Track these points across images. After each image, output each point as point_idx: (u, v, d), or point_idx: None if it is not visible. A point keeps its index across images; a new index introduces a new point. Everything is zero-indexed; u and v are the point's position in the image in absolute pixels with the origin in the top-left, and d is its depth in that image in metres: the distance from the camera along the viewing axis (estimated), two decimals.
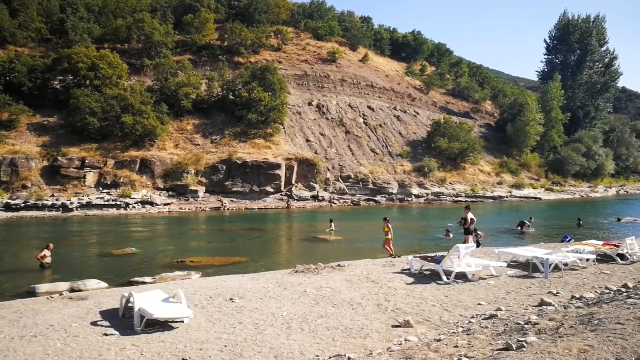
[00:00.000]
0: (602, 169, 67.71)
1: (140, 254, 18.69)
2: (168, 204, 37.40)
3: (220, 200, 38.89)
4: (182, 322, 7.83)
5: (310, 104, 55.86)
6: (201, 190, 40.08)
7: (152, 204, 36.47)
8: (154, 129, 41.91)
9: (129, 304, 8.21)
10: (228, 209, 38.13)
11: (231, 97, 49.59)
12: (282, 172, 42.98)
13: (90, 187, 37.61)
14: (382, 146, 54.83)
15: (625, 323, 4.77)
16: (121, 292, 9.34)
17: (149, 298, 8.31)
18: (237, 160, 42.20)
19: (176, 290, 8.55)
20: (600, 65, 78.19)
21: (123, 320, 8.08)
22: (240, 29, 59.10)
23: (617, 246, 14.10)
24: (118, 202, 35.29)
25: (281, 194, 42.62)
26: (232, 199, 40.12)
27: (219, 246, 22.27)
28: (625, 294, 7.75)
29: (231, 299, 9.29)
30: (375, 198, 45.59)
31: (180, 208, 36.93)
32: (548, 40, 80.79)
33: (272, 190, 42.16)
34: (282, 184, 42.90)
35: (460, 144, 55.07)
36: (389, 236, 15.52)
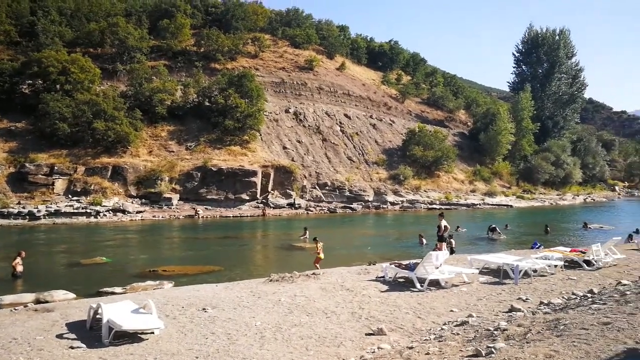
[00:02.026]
0: (570, 178, 69.27)
1: (111, 264, 18.31)
2: (141, 211, 36.76)
3: (194, 208, 38.41)
4: (153, 333, 7.63)
5: (287, 111, 55.82)
6: (175, 197, 39.53)
7: (124, 212, 35.79)
8: (127, 136, 41.23)
9: (97, 316, 7.97)
10: (203, 217, 37.68)
11: (207, 103, 49.18)
12: (258, 180, 42.72)
13: (60, 195, 36.69)
14: (359, 154, 55.07)
15: (590, 328, 4.84)
16: (89, 303, 9.08)
17: (118, 309, 8.09)
18: (213, 168, 41.79)
19: (147, 301, 8.34)
20: (567, 77, 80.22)
21: (91, 332, 7.84)
22: (217, 35, 58.78)
23: (584, 253, 14.39)
24: (88, 210, 34.50)
25: (257, 202, 42.32)
26: (206, 207, 39.66)
27: (192, 255, 21.97)
28: (590, 299, 7.89)
29: (204, 309, 9.12)
30: (352, 205, 45.68)
31: (154, 216, 36.35)
32: (516, 54, 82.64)
33: (247, 198, 41.84)
34: (258, 191, 42.62)
35: (434, 152, 55.68)
36: (321, 255, 15.61)
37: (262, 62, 62.47)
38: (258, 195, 42.52)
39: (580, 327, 4.92)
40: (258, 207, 41.66)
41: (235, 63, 59.51)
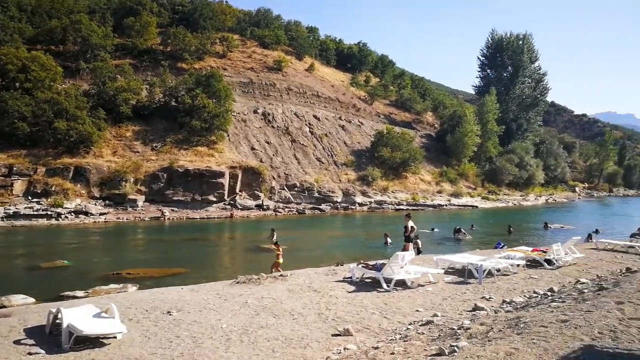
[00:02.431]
0: (533, 179, 71.18)
1: (73, 267, 17.82)
2: (104, 213, 35.88)
3: (160, 210, 37.74)
4: (115, 338, 7.46)
5: (255, 111, 55.51)
6: (140, 199, 38.74)
7: (86, 213, 34.86)
8: (90, 136, 40.21)
9: (57, 320, 7.74)
10: (169, 218, 37.04)
11: (174, 103, 48.46)
12: (225, 181, 42.30)
13: (19, 196, 35.46)
14: (328, 155, 55.21)
15: (549, 326, 4.97)
16: (49, 307, 8.81)
17: (79, 313, 7.88)
18: (179, 169, 41.17)
19: (109, 305, 8.15)
20: (531, 81, 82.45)
21: (50, 337, 7.60)
22: (184, 34, 57.99)
23: (545, 252, 14.79)
24: (49, 212, 33.46)
25: (224, 203, 41.91)
26: (173, 209, 39.02)
27: (158, 257, 21.59)
28: (550, 297, 8.11)
29: (169, 312, 8.97)
30: (321, 207, 45.73)
31: (118, 218, 35.54)
32: (481, 58, 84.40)
33: (215, 199, 41.38)
34: (226, 192, 42.21)
35: (402, 153, 56.33)
36: (280, 260, 15.47)
37: (230, 62, 61.96)
38: (226, 197, 42.12)
39: (539, 325, 5.04)
40: (225, 208, 41.27)
41: (203, 63, 58.84)
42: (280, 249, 15.89)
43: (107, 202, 37.63)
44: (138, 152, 43.25)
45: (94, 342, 7.23)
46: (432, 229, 29.88)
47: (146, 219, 36.24)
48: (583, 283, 10.12)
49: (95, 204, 36.69)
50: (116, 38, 55.76)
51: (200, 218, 38.20)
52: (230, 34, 66.73)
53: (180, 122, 46.58)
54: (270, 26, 76.00)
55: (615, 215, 46.80)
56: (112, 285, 13.66)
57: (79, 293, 12.56)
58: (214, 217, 38.81)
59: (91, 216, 34.79)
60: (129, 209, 37.58)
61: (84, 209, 35.10)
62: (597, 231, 28.28)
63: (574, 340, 4.36)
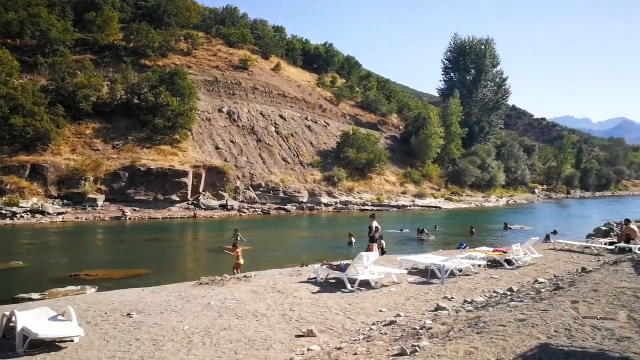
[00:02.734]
0: (494, 180, 72.88)
1: (28, 268, 17.21)
2: (62, 213, 34.81)
3: (121, 210, 36.87)
4: (72, 341, 7.24)
5: (220, 110, 54.91)
6: (100, 198, 37.77)
7: (43, 213, 33.74)
8: (48, 132, 38.96)
9: (11, 324, 7.46)
10: (130, 218, 36.23)
11: (136, 100, 47.44)
12: (189, 180, 41.69)
13: None
14: (294, 155, 55.13)
15: (507, 325, 5.09)
16: (2, 310, 8.47)
17: (34, 316, 7.62)
18: (141, 167, 40.34)
19: (66, 307, 7.90)
20: (493, 85, 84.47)
21: (4, 341, 7.32)
22: (147, 30, 56.80)
23: (505, 252, 15.15)
24: (4, 211, 32.23)
25: (188, 203, 41.31)
26: (134, 208, 38.20)
27: (118, 258, 21.07)
28: (509, 297, 8.30)
29: (129, 314, 8.77)
30: (286, 207, 45.61)
31: (77, 218, 34.52)
32: (445, 61, 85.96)
33: (178, 199, 40.73)
34: (189, 192, 41.61)
35: (367, 154, 56.78)
36: (240, 261, 15.29)
37: (195, 60, 61.10)
38: (189, 196, 41.52)
39: (498, 324, 5.15)
40: (189, 208, 40.69)
41: (167, 60, 57.82)
42: (239, 250, 15.69)
43: (65, 201, 36.54)
44: (98, 150, 42.16)
45: (49, 345, 7.01)
46: (402, 230, 30.45)
47: (106, 218, 35.35)
48: (540, 283, 10.40)
49: (53, 203, 35.58)
50: (76, 33, 54.16)
51: (162, 218, 37.52)
52: (195, 32, 65.79)
53: (142, 120, 45.65)
54: (236, 24, 75.33)
55: (573, 217, 48.41)
56: (69, 287, 13.25)
57: (35, 295, 12.14)
58: (177, 217, 38.19)
59: (48, 216, 33.72)
60: (89, 208, 36.60)
61: (40, 208, 33.97)
62: (555, 232, 29.13)
63: (531, 339, 4.47)
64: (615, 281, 7.15)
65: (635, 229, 18.99)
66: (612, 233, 25.13)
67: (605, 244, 18.91)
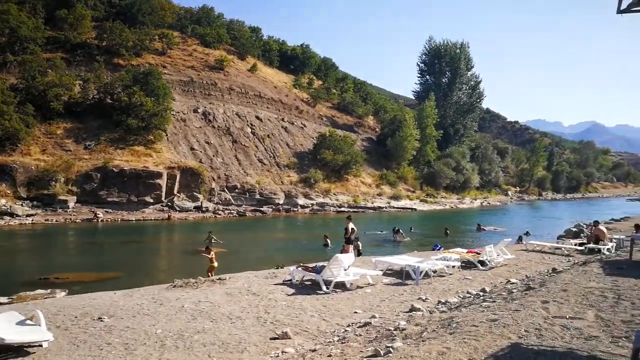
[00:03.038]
0: (469, 183, 73.90)
1: None
2: (32, 215, 33.94)
3: (93, 211, 36.17)
4: (41, 346, 7.06)
5: (195, 111, 54.38)
6: (72, 200, 36.97)
7: (12, 215, 32.83)
8: (17, 132, 37.98)
9: None
10: (102, 220, 35.56)
11: (109, 100, 46.61)
12: (163, 182, 41.15)
13: None
14: (270, 157, 54.94)
15: (479, 325, 5.16)
16: None
17: (1, 321, 7.41)
18: (114, 168, 39.63)
19: (35, 311, 7.72)
20: (467, 88, 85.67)
21: None
22: (121, 29, 55.87)
23: (479, 254, 15.36)
24: None
25: (162, 205, 40.76)
26: (107, 210, 37.51)
27: (90, 261, 20.67)
28: (482, 297, 8.42)
29: (100, 318, 8.60)
30: (262, 209, 45.39)
31: (47, 220, 33.73)
32: (420, 64, 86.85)
33: (151, 200, 40.15)
34: (163, 194, 41.07)
35: (344, 156, 56.95)
36: (214, 263, 15.24)
37: (170, 60, 60.40)
38: (163, 198, 41.00)
39: (471, 325, 5.21)
40: (163, 210, 40.17)
41: (141, 59, 56.99)
42: (213, 253, 15.58)
43: (35, 203, 35.65)
44: (70, 150, 41.29)
45: (17, 351, 6.83)
46: (382, 231, 31.08)
47: (77, 220, 34.65)
48: (513, 283, 10.58)
49: (22, 205, 34.67)
50: (47, 30, 52.91)
51: (136, 220, 36.96)
52: (170, 31, 65.04)
53: (116, 120, 44.86)
54: (212, 24, 74.74)
55: (544, 218, 49.40)
56: (38, 291, 12.94)
57: (2, 299, 11.81)
58: (151, 219, 37.67)
59: (17, 218, 32.86)
60: (59, 210, 35.80)
61: (9, 210, 33.08)
62: (527, 233, 29.64)
63: (502, 339, 4.54)
64: (584, 281, 7.32)
65: (604, 230, 19.49)
66: (582, 234, 25.72)
67: (575, 245, 19.34)
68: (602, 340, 4.35)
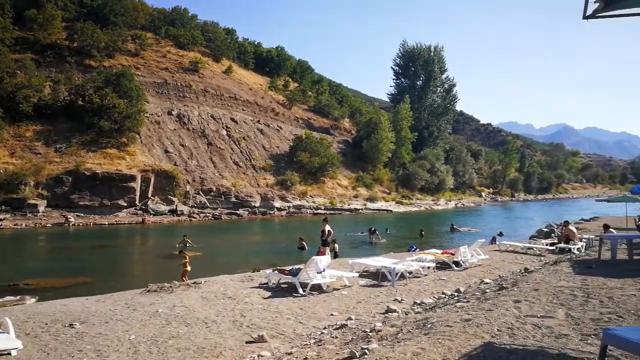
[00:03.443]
0: (443, 184, 74.81)
1: None
2: (0, 220, 33.10)
3: (64, 216, 35.43)
4: (9, 354, 6.87)
5: (170, 113, 53.79)
6: (42, 204, 36.15)
7: None
8: None
9: None
10: (74, 224, 34.86)
11: (80, 102, 45.76)
12: (137, 185, 40.57)
13: None
14: (246, 159, 54.66)
15: (453, 325, 5.22)
16: None
17: None
18: (86, 172, 38.91)
19: (3, 319, 7.50)
20: (441, 90, 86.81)
21: None
22: (92, 29, 54.97)
23: (453, 254, 15.54)
24: None
25: (136, 208, 40.18)
26: (78, 214, 36.80)
27: (61, 266, 20.20)
28: (456, 298, 8.52)
29: (71, 324, 8.40)
30: (238, 212, 45.11)
31: (16, 225, 32.89)
32: (395, 67, 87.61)
33: (125, 204, 39.54)
34: (137, 197, 40.49)
35: (320, 158, 57.04)
36: (187, 268, 15.12)
37: (143, 61, 59.65)
38: (137, 202, 40.41)
39: (445, 325, 5.27)
40: (137, 214, 39.60)
41: (113, 61, 56.16)
42: (187, 257, 15.40)
43: (3, 207, 34.79)
44: (40, 153, 40.39)
45: None
46: (362, 232, 31.54)
47: (48, 225, 33.90)
48: (486, 283, 10.73)
49: None
50: (16, 31, 51.78)
51: (109, 224, 36.33)
52: (144, 32, 64.30)
53: (87, 122, 44.07)
54: (187, 26, 74.14)
55: (517, 219, 50.27)
56: (7, 298, 12.59)
57: None
58: (124, 223, 37.08)
59: None
60: (29, 214, 34.98)
61: None
62: (501, 234, 30.07)
63: (476, 339, 4.60)
64: (554, 280, 7.48)
65: (574, 230, 19.93)
66: (553, 234, 26.25)
67: (546, 245, 19.73)
68: (572, 338, 4.45)
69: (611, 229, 17.13)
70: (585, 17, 3.54)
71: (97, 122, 43.46)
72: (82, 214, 37.00)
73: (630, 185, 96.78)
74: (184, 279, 14.06)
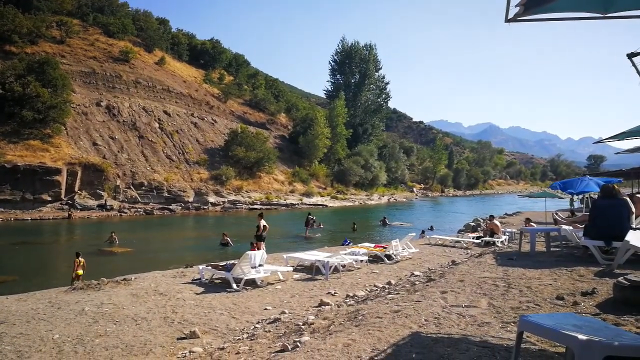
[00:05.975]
0: (377, 180, 76.51)
1: None
2: None
3: None
4: None
5: (99, 104, 51.46)
6: None
7: None
8: None
9: None
10: None
11: (0, 90, 42.82)
12: (62, 179, 38.57)
13: None
14: (179, 153, 53.29)
15: (383, 317, 5.39)
16: None
17: None
18: (6, 164, 36.50)
19: None
20: (375, 88, 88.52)
21: None
22: (14, 14, 51.53)
23: (385, 248, 15.96)
24: None
25: (61, 203, 38.20)
26: None
27: None
28: (387, 290, 8.77)
29: None
30: (171, 207, 43.94)
31: None
32: (332, 63, 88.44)
33: (50, 198, 37.49)
34: (63, 191, 38.50)
35: (256, 153, 56.58)
36: (80, 271, 14.32)
37: (69, 49, 56.66)
38: (62, 196, 38.43)
39: (375, 316, 5.42)
40: (63, 208, 37.67)
41: (37, 47, 52.95)
42: (81, 261, 14.50)
43: None
44: None
45: None
46: (320, 225, 32.54)
47: None
48: (416, 275, 11.11)
49: None
50: None
51: (32, 219, 34.33)
52: (70, 18, 60.99)
53: (8, 112, 41.32)
54: (117, 14, 71.14)
55: (446, 213, 52.23)
56: None
57: None
58: (49, 219, 35.17)
59: None
60: None
61: None
62: (432, 228, 31.19)
63: (404, 329, 4.77)
64: (478, 272, 7.86)
65: (498, 224, 21.05)
66: (479, 228, 27.54)
67: (473, 238, 20.69)
68: (493, 325, 4.71)
69: (532, 223, 18.24)
70: (507, 21, 3.74)
71: (19, 112, 40.85)
72: (2, 209, 34.73)
73: (549, 182, 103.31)
74: (75, 282, 12.85)
